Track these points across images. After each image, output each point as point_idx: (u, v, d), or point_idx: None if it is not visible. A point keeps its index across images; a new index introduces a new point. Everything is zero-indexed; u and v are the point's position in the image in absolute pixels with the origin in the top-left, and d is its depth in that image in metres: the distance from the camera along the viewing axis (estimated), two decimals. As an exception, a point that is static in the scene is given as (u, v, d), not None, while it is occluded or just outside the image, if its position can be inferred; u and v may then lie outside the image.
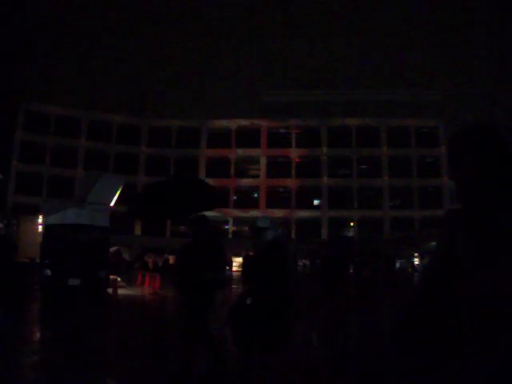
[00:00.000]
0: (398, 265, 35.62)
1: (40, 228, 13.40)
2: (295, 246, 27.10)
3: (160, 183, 5.66)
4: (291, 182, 47.04)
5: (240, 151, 48.17)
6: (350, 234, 45.19)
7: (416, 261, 39.19)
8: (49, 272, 11.45)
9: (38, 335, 7.46)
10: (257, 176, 48.04)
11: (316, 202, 47.31)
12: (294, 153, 48.03)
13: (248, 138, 48.29)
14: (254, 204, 46.58)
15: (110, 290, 12.83)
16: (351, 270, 23.75)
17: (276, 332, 3.50)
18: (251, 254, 3.80)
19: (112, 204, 12.59)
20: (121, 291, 14.30)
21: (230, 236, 45.98)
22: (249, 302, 3.55)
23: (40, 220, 13.83)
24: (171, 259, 21.83)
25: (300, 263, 20.40)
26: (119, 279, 15.35)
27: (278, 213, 44.80)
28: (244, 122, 48.77)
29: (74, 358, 5.28)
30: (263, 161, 48.14)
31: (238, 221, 46.22)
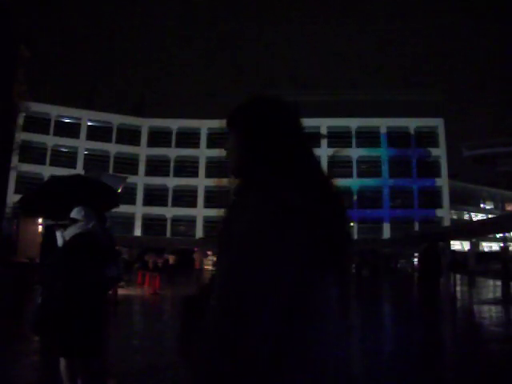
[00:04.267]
0: (398, 265, 35.60)
1: (40, 228, 13.37)
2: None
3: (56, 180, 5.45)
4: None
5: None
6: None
7: (416, 261, 39.15)
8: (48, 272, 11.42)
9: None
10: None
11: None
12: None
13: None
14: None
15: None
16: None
17: (79, 334, 3.20)
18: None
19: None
20: (121, 291, 14.28)
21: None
22: (39, 300, 3.28)
23: (40, 220, 13.81)
24: (171, 259, 21.82)
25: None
26: (119, 279, 15.31)
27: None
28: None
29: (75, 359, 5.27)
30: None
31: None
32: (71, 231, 3.43)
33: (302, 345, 0.94)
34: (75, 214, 3.50)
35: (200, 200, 47.05)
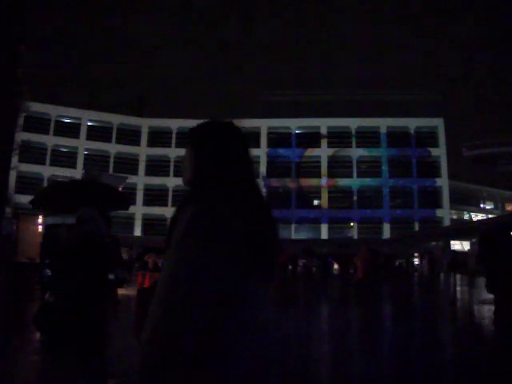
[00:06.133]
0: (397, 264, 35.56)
1: (40, 228, 13.39)
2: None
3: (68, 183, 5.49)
4: (291, 182, 47.04)
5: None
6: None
7: (416, 261, 39.17)
8: (49, 272, 11.43)
9: (37, 335, 7.46)
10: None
11: (316, 202, 47.33)
12: (294, 153, 48.03)
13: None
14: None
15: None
16: (351, 271, 23.72)
17: (87, 334, 3.19)
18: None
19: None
20: (121, 291, 14.27)
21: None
22: (50, 299, 3.31)
23: (40, 220, 13.82)
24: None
25: (300, 263, 20.55)
26: (119, 279, 15.29)
27: (276, 212, 44.76)
28: (243, 123, 48.77)
29: (74, 358, 5.27)
30: (263, 160, 48.13)
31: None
32: (76, 232, 3.43)
33: (234, 331, 1.10)
34: (81, 215, 3.48)
35: (200, 200, 47.01)
